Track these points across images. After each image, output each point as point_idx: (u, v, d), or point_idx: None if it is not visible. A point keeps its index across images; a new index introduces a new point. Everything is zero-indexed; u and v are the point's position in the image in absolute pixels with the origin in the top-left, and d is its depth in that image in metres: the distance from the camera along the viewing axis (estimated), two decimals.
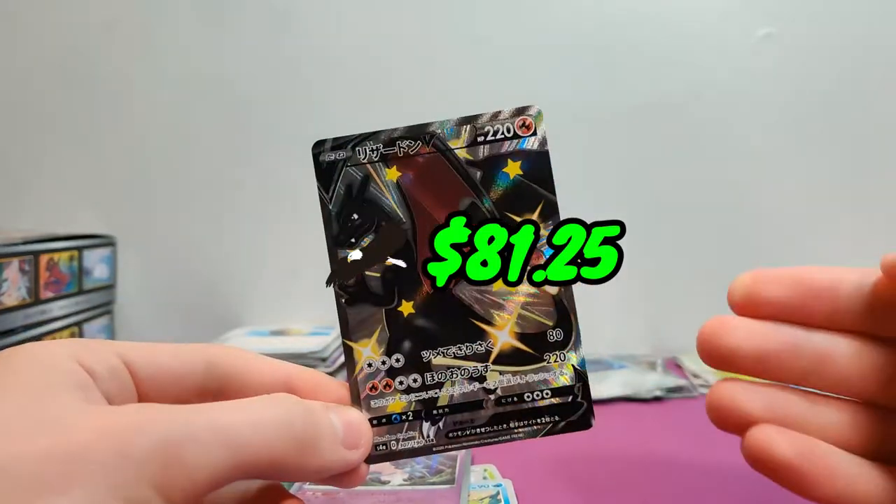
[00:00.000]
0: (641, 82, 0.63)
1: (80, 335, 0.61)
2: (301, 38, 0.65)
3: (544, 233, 0.24)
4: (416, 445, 0.24)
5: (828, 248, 0.63)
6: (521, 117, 0.25)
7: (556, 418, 0.24)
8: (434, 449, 0.24)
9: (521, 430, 0.24)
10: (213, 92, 0.66)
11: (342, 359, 0.57)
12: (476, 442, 0.24)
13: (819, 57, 0.62)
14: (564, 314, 0.24)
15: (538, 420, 0.24)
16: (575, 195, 0.61)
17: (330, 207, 0.24)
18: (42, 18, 0.67)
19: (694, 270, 0.64)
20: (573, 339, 0.24)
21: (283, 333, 0.62)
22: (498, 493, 0.35)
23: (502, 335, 0.24)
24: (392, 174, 0.24)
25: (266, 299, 0.67)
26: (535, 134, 0.25)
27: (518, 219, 0.24)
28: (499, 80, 0.64)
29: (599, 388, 0.51)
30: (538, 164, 0.25)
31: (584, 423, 0.24)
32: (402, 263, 0.25)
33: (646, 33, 0.63)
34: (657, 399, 0.50)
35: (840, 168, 0.63)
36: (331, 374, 0.54)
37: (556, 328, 0.24)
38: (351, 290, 0.25)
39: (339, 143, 0.24)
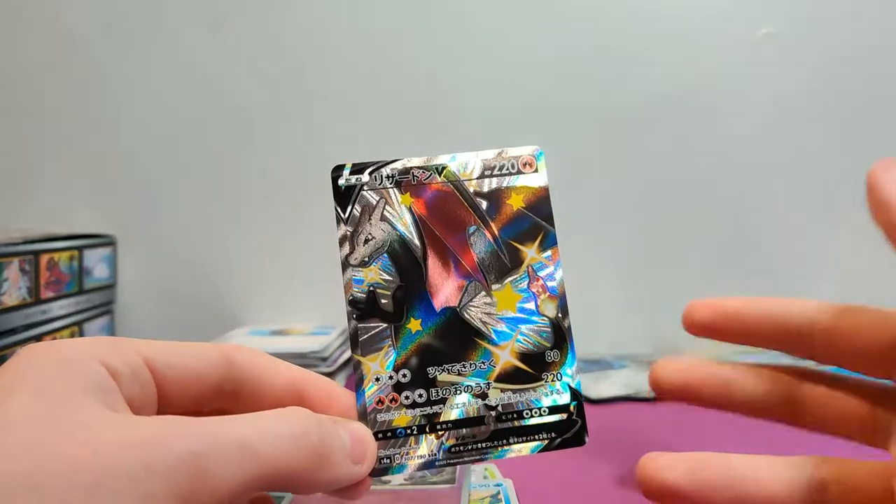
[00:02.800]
0: (641, 82, 0.63)
1: (81, 335, 0.61)
2: (302, 38, 0.65)
3: (544, 262, 0.26)
4: (420, 460, 0.24)
5: (827, 247, 0.63)
6: (524, 156, 0.27)
7: (553, 435, 0.25)
8: (437, 463, 0.25)
9: (518, 445, 0.25)
10: (214, 92, 0.66)
11: (342, 358, 0.57)
12: (477, 457, 0.25)
13: (819, 56, 0.62)
14: (561, 336, 0.26)
15: (535, 436, 0.25)
16: (575, 195, 0.61)
17: (345, 227, 0.26)
18: (42, 18, 0.67)
19: (694, 270, 0.64)
20: (569, 359, 0.26)
21: (284, 333, 0.62)
22: (498, 493, 0.35)
23: (504, 354, 0.25)
24: (406, 199, 0.26)
25: (266, 299, 0.67)
26: (536, 171, 0.27)
27: (520, 247, 0.26)
28: (498, 79, 0.64)
29: (599, 387, 0.51)
30: (539, 199, 0.27)
31: (577, 440, 0.25)
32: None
33: (645, 33, 0.63)
34: (657, 399, 0.50)
35: (840, 167, 0.63)
36: (331, 373, 0.54)
37: (553, 349, 0.26)
38: (361, 306, 0.26)
39: (357, 169, 0.26)
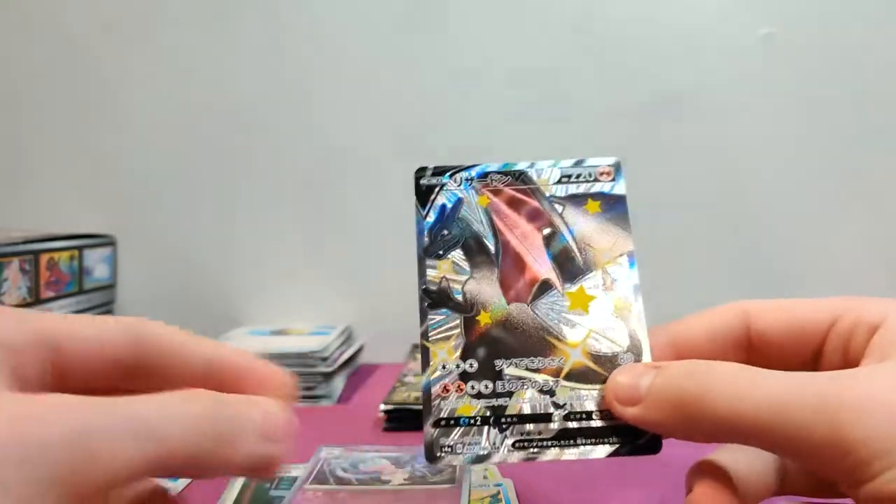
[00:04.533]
0: (641, 82, 0.63)
1: None
2: (302, 38, 0.65)
3: (619, 265, 0.27)
4: (480, 451, 0.24)
5: (827, 247, 0.63)
6: (602, 166, 0.28)
7: (624, 440, 0.24)
8: (498, 457, 0.24)
9: (587, 447, 0.24)
10: (214, 92, 0.66)
11: (342, 359, 0.57)
12: (541, 455, 0.24)
13: (819, 56, 0.62)
14: (635, 339, 0.26)
15: (605, 440, 0.24)
16: None
17: (424, 223, 0.28)
18: (42, 18, 0.67)
19: (694, 270, 0.64)
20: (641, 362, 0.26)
21: (284, 333, 0.62)
22: (498, 493, 0.35)
23: (575, 353, 0.26)
24: (483, 201, 0.28)
25: (266, 299, 0.67)
26: (614, 180, 0.28)
27: (595, 250, 0.27)
28: (498, 78, 0.64)
29: None
30: (615, 206, 0.28)
31: (652, 447, 0.24)
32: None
33: (645, 33, 0.63)
34: None
35: (840, 167, 0.63)
36: (331, 373, 0.54)
37: (627, 352, 0.26)
38: (434, 295, 0.27)
39: (438, 171, 0.28)
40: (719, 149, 0.63)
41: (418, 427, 0.45)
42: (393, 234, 0.65)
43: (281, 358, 0.54)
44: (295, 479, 0.37)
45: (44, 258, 0.56)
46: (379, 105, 0.65)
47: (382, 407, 0.46)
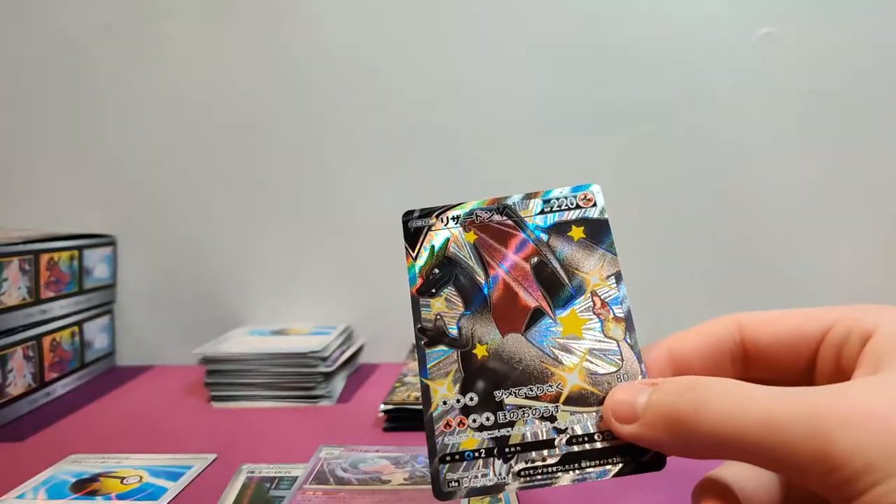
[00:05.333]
0: (640, 82, 0.63)
1: (81, 334, 0.61)
2: (303, 37, 0.65)
3: (608, 287, 0.27)
4: (488, 483, 0.25)
5: (827, 247, 0.63)
6: (583, 192, 0.29)
7: (628, 459, 0.25)
8: (507, 487, 0.25)
9: (592, 469, 0.25)
10: (214, 92, 0.66)
11: (342, 359, 0.57)
12: (548, 481, 0.25)
13: (819, 56, 0.62)
14: (630, 358, 0.26)
15: (609, 460, 0.25)
16: None
17: (415, 264, 0.28)
18: (42, 18, 0.67)
19: (694, 270, 0.64)
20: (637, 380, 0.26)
21: (284, 333, 0.62)
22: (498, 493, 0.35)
23: (571, 377, 0.26)
24: (470, 237, 0.29)
25: (266, 299, 0.67)
26: (595, 205, 0.29)
27: (583, 274, 0.28)
28: (497, 79, 0.64)
29: None
30: (599, 229, 0.28)
31: (656, 464, 0.25)
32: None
33: (645, 33, 0.63)
34: None
35: (840, 167, 0.63)
36: (331, 373, 0.54)
37: (622, 371, 0.26)
38: (430, 333, 0.27)
39: (425, 213, 0.29)
40: (718, 149, 0.63)
41: (418, 427, 0.45)
42: (393, 234, 0.65)
43: (281, 358, 0.54)
44: (295, 479, 0.37)
45: (44, 258, 0.56)
46: (380, 105, 0.65)
47: (382, 407, 0.46)
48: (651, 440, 0.23)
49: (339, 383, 0.57)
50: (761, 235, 0.64)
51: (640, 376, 0.26)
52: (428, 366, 0.27)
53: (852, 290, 0.62)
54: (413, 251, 0.29)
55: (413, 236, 0.29)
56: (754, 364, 0.26)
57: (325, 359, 0.54)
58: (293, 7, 0.65)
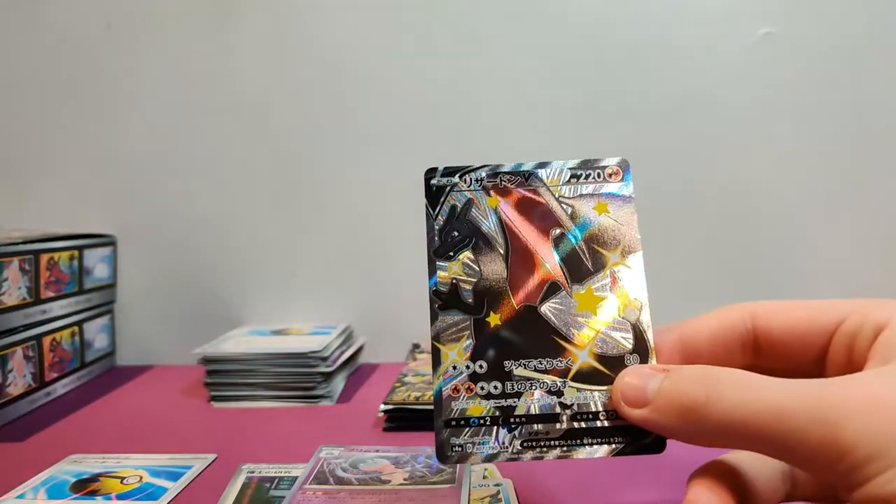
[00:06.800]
0: (640, 82, 0.63)
1: (81, 335, 0.61)
2: (304, 36, 0.65)
3: (627, 267, 0.27)
4: (490, 451, 0.25)
5: (827, 247, 0.63)
6: (611, 166, 0.28)
7: (629, 439, 0.25)
8: (508, 456, 0.25)
9: (593, 447, 0.25)
10: (214, 91, 0.66)
11: (342, 359, 0.57)
12: (549, 454, 0.25)
13: (819, 56, 0.62)
14: (641, 340, 0.26)
15: (611, 439, 0.25)
16: None
17: (434, 223, 0.28)
18: (43, 18, 0.67)
19: (694, 270, 0.64)
20: (648, 364, 0.26)
21: (284, 333, 0.62)
22: (498, 493, 0.35)
23: (582, 354, 0.26)
24: (492, 202, 0.28)
25: (266, 299, 0.67)
26: (623, 181, 0.28)
27: (603, 252, 0.27)
28: (497, 78, 0.64)
29: None
30: (624, 207, 0.28)
31: (657, 447, 0.25)
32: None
33: (645, 33, 0.63)
34: None
35: (840, 167, 0.63)
36: (331, 373, 0.54)
37: (633, 353, 0.26)
38: (444, 296, 0.27)
39: (448, 171, 0.28)
40: (717, 149, 0.63)
41: (418, 427, 0.45)
42: (394, 234, 0.65)
43: (281, 358, 0.54)
44: (295, 479, 0.37)
45: (44, 258, 0.56)
46: (380, 105, 0.65)
47: (382, 407, 0.46)
48: (660, 425, 0.23)
49: (339, 383, 0.57)
50: (761, 235, 0.64)
51: (650, 360, 0.26)
52: (440, 329, 0.26)
53: (853, 290, 0.62)
54: (433, 210, 0.28)
55: (435, 195, 0.28)
56: (765, 353, 0.26)
57: (325, 359, 0.54)
58: (297, 7, 0.65)
